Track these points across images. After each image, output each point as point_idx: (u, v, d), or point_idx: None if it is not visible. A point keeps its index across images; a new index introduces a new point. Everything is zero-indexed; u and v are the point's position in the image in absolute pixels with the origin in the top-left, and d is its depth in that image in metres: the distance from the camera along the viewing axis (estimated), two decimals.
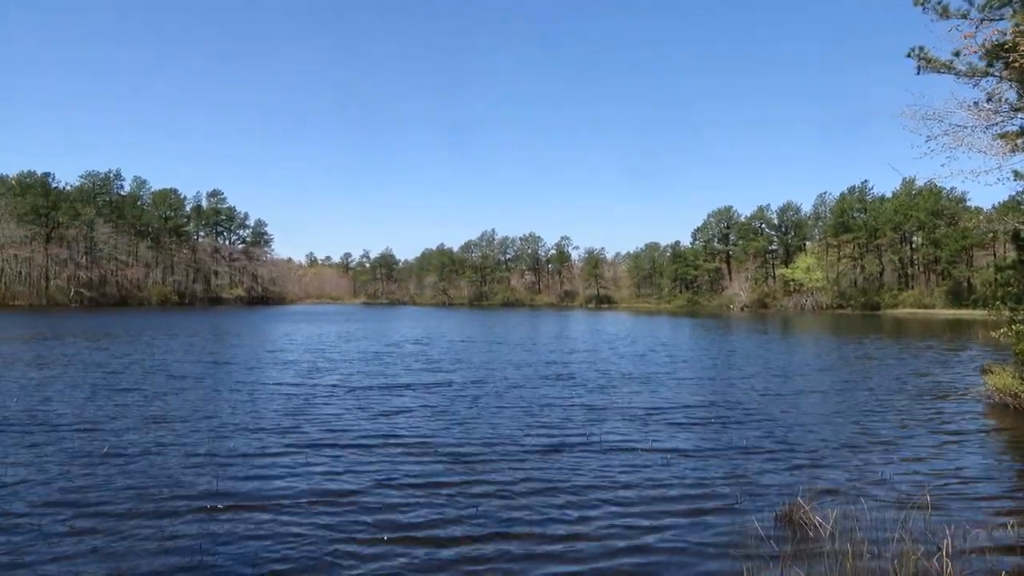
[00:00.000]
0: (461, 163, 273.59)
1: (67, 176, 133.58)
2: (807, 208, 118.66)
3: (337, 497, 7.70)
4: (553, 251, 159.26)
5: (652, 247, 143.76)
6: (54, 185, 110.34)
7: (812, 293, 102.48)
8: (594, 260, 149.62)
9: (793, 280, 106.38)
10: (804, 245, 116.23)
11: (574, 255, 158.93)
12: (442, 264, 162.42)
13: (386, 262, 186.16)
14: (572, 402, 14.58)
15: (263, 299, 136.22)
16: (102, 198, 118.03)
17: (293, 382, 17.63)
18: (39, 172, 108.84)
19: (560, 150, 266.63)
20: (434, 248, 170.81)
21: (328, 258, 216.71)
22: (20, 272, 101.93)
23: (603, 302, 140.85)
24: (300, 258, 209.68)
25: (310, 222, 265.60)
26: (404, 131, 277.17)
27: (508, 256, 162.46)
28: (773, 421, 12.54)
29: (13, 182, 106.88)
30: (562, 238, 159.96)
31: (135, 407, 13.45)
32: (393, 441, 10.61)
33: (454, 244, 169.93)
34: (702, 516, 7.23)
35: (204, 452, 9.75)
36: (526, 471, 8.90)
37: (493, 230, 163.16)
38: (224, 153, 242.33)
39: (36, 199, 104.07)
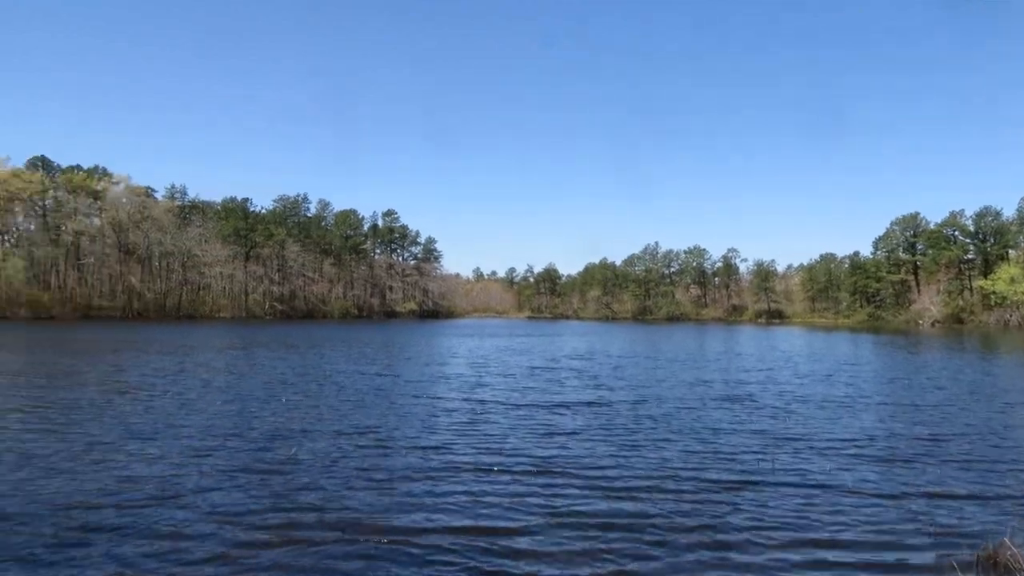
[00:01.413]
0: (624, 175, 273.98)
1: (263, 200, 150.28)
2: (1009, 212, 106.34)
3: (494, 536, 7.18)
4: (719, 263, 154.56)
5: (828, 258, 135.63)
6: (252, 209, 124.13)
7: (1018, 307, 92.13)
8: (764, 272, 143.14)
9: (994, 293, 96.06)
10: (1007, 254, 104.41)
11: (742, 268, 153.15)
12: (605, 278, 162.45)
13: (549, 276, 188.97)
14: (745, 428, 13.46)
15: (433, 313, 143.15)
16: (292, 220, 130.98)
17: (456, 397, 17.58)
18: (239, 198, 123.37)
19: (723, 160, 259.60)
20: (597, 262, 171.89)
21: (493, 273, 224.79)
22: (224, 288, 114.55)
23: (774, 317, 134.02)
24: (467, 273, 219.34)
25: (475, 237, 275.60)
26: (569, 143, 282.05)
27: (672, 269, 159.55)
28: (974, 454, 10.98)
29: (219, 207, 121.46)
30: (729, 250, 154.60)
31: (302, 418, 13.72)
32: (555, 468, 10.00)
33: (617, 258, 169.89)
34: (896, 555, 6.59)
35: (365, 467, 9.73)
36: (697, 508, 8.15)
37: (656, 243, 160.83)
38: (394, 166, 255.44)
39: (237, 222, 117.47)
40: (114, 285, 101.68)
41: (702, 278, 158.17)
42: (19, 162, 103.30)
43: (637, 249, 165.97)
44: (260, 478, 9.07)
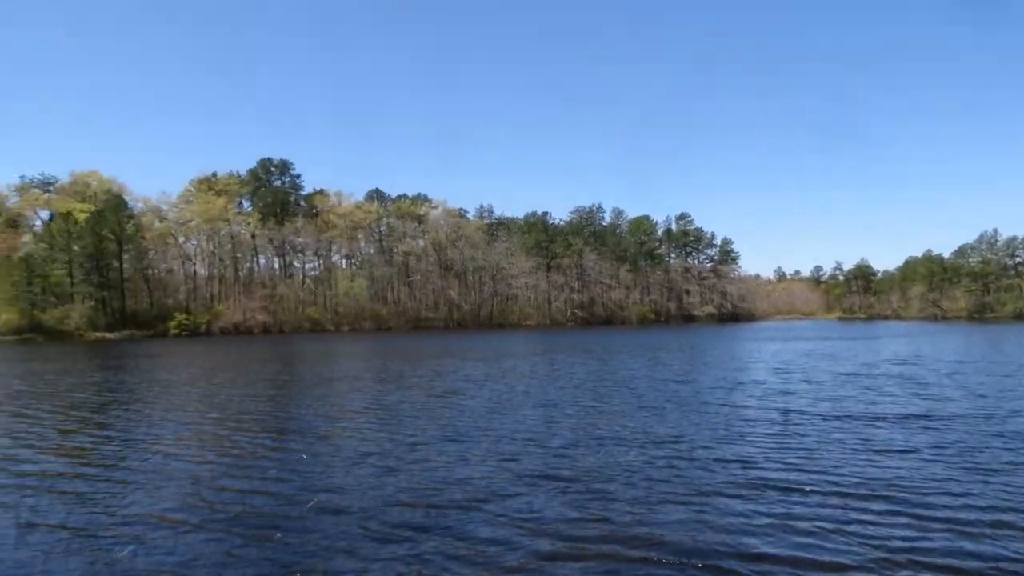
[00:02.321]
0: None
1: (560, 212, 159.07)
2: None
3: (817, 571, 6.08)
4: None
5: None
6: (551, 222, 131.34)
7: None
8: None
9: None
10: None
11: None
12: (931, 272, 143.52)
13: (862, 273, 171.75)
14: None
15: (733, 316, 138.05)
16: (588, 229, 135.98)
17: (759, 405, 16.10)
18: (539, 212, 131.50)
19: None
20: (919, 255, 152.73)
21: (797, 272, 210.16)
22: (530, 297, 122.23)
23: None
24: (768, 274, 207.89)
25: (775, 237, 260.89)
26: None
27: (1018, 260, 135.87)
28: None
29: (521, 223, 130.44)
30: None
31: (601, 425, 13.31)
32: (877, 492, 8.40)
33: (944, 250, 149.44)
34: None
35: (665, 479, 8.94)
36: None
37: (995, 230, 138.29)
38: (688, 168, 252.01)
39: (538, 235, 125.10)
40: (437, 298, 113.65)
41: None
42: (359, 196, 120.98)
43: (970, 238, 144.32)
44: (562, 486, 8.90)
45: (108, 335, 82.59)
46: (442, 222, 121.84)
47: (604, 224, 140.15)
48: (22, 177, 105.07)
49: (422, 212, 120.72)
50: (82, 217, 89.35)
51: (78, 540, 7.01)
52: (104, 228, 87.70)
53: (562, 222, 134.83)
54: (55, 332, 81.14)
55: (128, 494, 8.82)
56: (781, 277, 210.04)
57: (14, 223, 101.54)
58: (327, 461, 10.47)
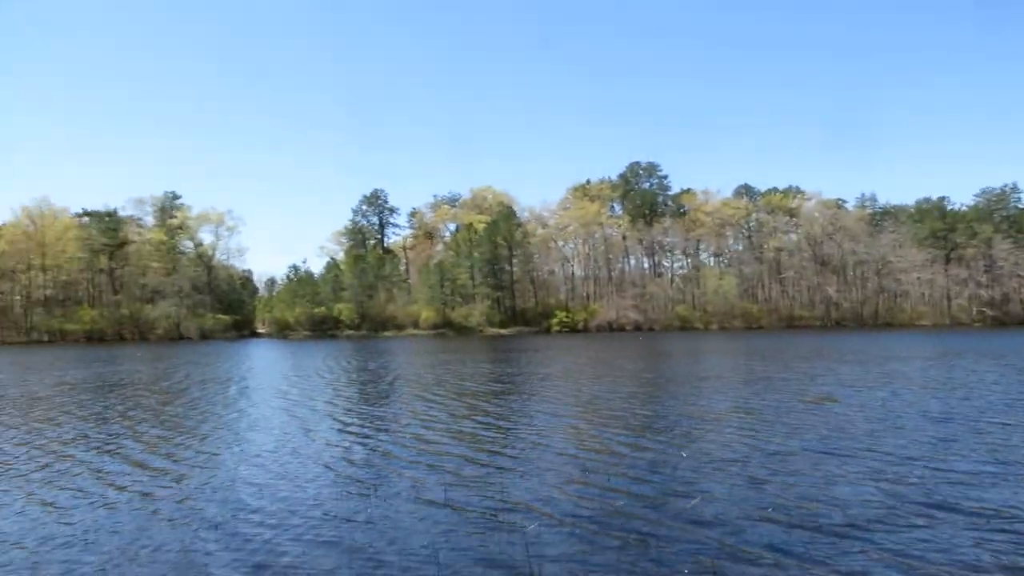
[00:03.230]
0: None
1: (961, 197, 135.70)
2: None
3: None
4: None
5: None
6: (950, 208, 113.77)
7: None
8: None
9: None
10: None
11: None
12: None
13: None
14: None
15: None
16: (999, 214, 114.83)
17: None
18: (934, 197, 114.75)
19: None
20: None
21: None
22: (923, 294, 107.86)
23: None
24: None
25: None
26: None
27: None
28: None
29: (912, 210, 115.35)
30: None
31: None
32: None
33: None
34: None
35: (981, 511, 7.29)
36: None
37: None
38: None
39: (933, 223, 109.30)
40: (812, 296, 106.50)
41: None
42: (727, 192, 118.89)
43: None
44: (966, 521, 7.56)
45: (502, 331, 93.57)
46: (817, 214, 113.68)
47: (1021, 207, 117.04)
48: (435, 196, 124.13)
49: (794, 205, 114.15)
50: (480, 227, 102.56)
51: (481, 520, 7.90)
52: (498, 236, 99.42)
53: (964, 207, 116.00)
54: (462, 327, 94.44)
55: (506, 481, 9.65)
56: None
57: (430, 235, 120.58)
58: (690, 465, 10.43)
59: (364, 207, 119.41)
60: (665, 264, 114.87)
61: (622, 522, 7.62)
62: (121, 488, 9.68)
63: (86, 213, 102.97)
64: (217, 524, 7.75)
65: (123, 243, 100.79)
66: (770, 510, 8.03)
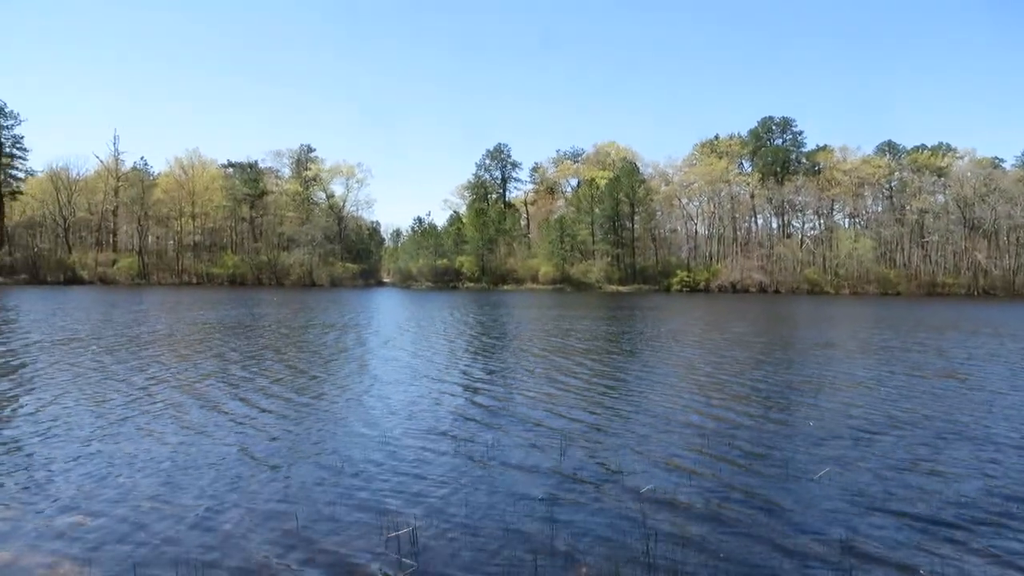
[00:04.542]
0: None
1: None
2: None
3: None
4: None
5: None
6: None
7: None
8: None
9: None
10: None
11: None
12: None
13: None
14: None
15: None
16: None
17: None
18: None
19: None
20: None
21: None
22: None
23: None
24: None
25: None
26: None
27: None
28: None
29: None
30: None
31: None
32: None
33: None
34: None
35: None
36: None
37: None
38: None
39: None
40: (958, 261, 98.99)
41: None
42: (868, 150, 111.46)
43: None
44: None
45: (620, 288, 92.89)
46: (968, 174, 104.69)
47: None
48: (557, 151, 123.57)
49: (943, 164, 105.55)
50: (602, 183, 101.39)
51: (594, 483, 8.10)
52: (620, 192, 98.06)
53: None
54: (580, 283, 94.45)
55: (621, 444, 9.53)
56: None
57: (551, 190, 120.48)
58: (813, 437, 9.76)
59: (487, 161, 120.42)
60: (795, 224, 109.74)
61: (741, 495, 7.09)
62: (251, 420, 10.65)
63: (230, 164, 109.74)
64: (337, 470, 7.84)
65: (263, 193, 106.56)
66: (896, 492, 7.36)
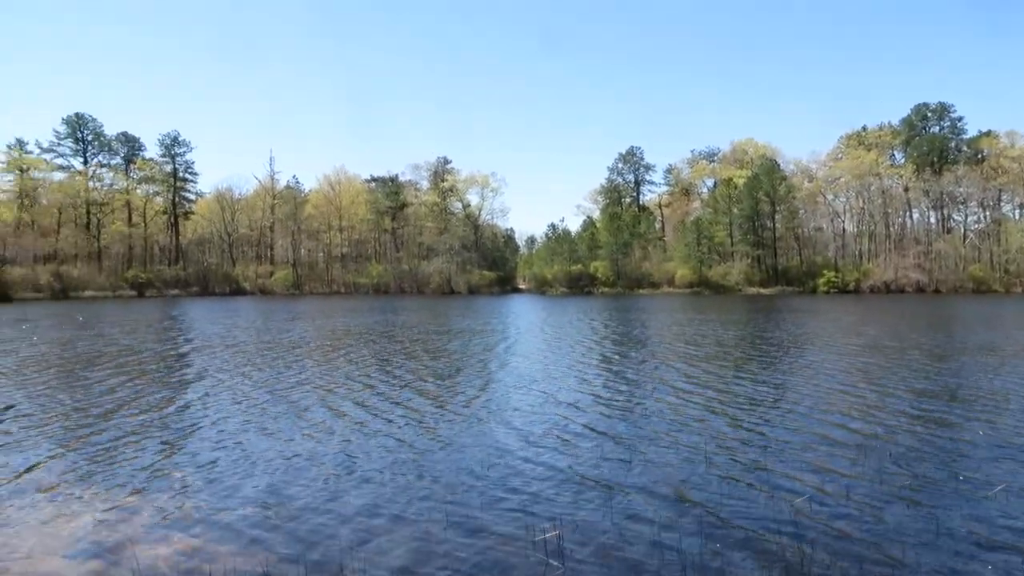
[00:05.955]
0: None
1: None
2: None
3: None
4: None
5: None
6: None
7: None
8: None
9: None
10: None
11: None
12: None
13: None
14: None
15: None
16: None
17: None
18: None
19: None
20: None
21: None
22: None
23: None
24: None
25: None
26: None
27: None
28: None
29: None
30: None
31: None
32: None
33: None
34: None
35: None
36: None
37: None
38: None
39: None
40: None
41: None
42: None
43: None
44: None
45: (762, 290, 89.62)
46: None
47: None
48: (692, 151, 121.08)
49: None
50: (740, 182, 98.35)
51: (744, 487, 7.81)
52: (759, 191, 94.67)
53: None
54: (718, 287, 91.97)
55: (770, 447, 9.29)
56: None
57: (686, 192, 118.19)
58: (984, 451, 9.17)
59: (620, 165, 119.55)
60: (956, 218, 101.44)
61: (903, 507, 6.82)
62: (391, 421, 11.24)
63: (373, 179, 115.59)
64: (475, 470, 8.25)
65: (403, 205, 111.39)
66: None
